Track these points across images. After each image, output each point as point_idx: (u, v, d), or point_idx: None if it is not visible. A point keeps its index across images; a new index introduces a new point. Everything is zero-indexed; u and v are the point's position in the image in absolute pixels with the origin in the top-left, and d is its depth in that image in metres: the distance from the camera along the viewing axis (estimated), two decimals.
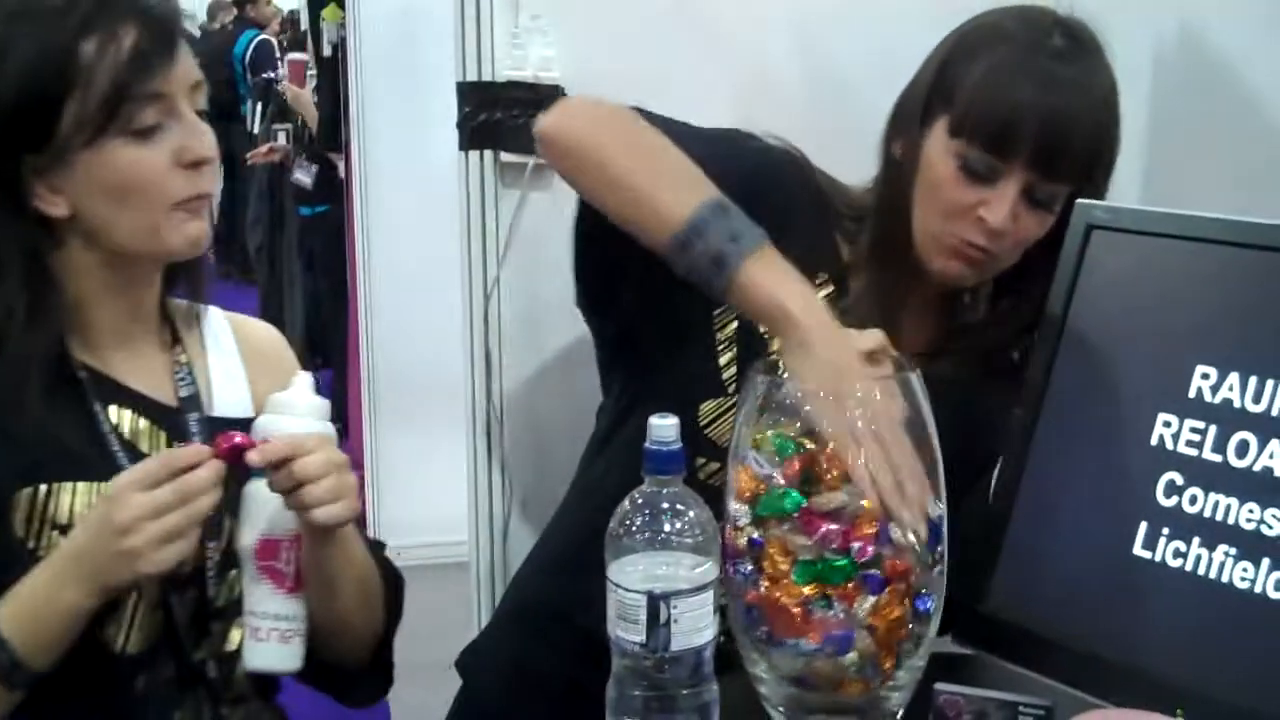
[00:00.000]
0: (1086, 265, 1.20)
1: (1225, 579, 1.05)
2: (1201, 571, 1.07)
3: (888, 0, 1.76)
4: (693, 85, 1.72)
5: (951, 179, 1.28)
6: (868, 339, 1.10)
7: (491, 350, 1.79)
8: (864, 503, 1.00)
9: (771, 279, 1.13)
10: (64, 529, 1.11)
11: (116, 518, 1.04)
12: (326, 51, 4.60)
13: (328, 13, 4.48)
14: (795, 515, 1.01)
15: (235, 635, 1.20)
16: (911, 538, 1.01)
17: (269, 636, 1.15)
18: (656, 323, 1.37)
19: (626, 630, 0.96)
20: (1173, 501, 1.09)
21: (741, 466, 1.05)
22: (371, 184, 3.83)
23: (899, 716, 1.05)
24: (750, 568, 1.03)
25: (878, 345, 1.10)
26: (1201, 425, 1.09)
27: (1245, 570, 1.04)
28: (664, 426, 0.98)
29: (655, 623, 0.95)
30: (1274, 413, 1.05)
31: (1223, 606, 1.05)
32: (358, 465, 4.01)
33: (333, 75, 4.48)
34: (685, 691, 0.98)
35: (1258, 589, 1.03)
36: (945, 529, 1.04)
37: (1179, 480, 1.09)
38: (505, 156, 1.75)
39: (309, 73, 5.12)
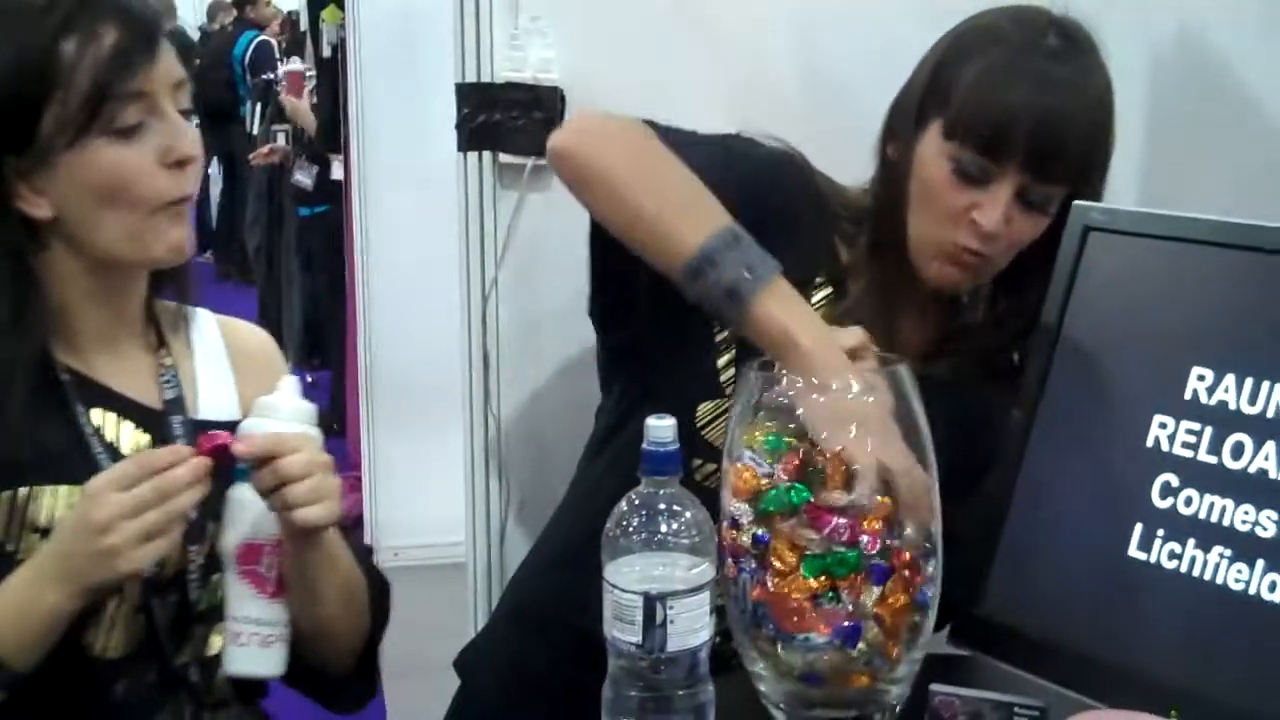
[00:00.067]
0: (1083, 267, 1.20)
1: (1220, 580, 1.05)
2: (1196, 573, 1.07)
3: (886, 1, 1.76)
4: (692, 86, 1.72)
5: (945, 182, 1.28)
6: (849, 336, 1.10)
7: (489, 351, 1.79)
8: (880, 498, 1.00)
9: (784, 312, 1.13)
10: (44, 532, 1.11)
11: (94, 517, 1.04)
12: (326, 52, 4.60)
13: (327, 14, 4.48)
14: (802, 510, 1.01)
15: (217, 640, 1.20)
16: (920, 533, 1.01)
17: (250, 641, 1.14)
18: (661, 327, 1.37)
19: (622, 631, 0.96)
20: (1168, 503, 1.09)
21: (739, 465, 1.04)
22: (370, 185, 3.82)
23: (898, 711, 1.05)
24: (755, 565, 1.02)
25: (859, 343, 1.10)
26: (1197, 427, 1.09)
27: (1240, 572, 1.04)
28: (661, 427, 0.98)
29: (651, 623, 0.95)
30: (1269, 415, 1.05)
31: (1217, 608, 1.05)
32: (355, 466, 4.00)
33: (332, 76, 4.48)
34: (681, 692, 0.98)
35: (1252, 590, 1.03)
36: (939, 522, 1.04)
37: (1174, 482, 1.09)
38: (504, 158, 1.75)
39: (307, 79, 5.12)
